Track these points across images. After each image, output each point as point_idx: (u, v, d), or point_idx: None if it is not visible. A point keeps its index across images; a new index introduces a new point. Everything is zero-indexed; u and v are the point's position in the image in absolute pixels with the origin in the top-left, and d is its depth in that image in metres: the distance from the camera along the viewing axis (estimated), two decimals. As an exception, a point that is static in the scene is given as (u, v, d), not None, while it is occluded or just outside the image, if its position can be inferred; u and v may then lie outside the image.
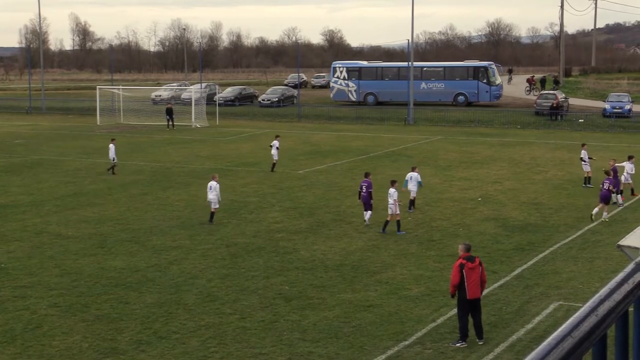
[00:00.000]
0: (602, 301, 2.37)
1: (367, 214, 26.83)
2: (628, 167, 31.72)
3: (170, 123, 61.36)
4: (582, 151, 34.45)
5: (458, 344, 16.06)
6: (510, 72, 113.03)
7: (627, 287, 2.48)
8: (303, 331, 16.96)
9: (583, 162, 34.17)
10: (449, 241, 24.82)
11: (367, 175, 27.65)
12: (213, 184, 27.70)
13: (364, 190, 26.86)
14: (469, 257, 16.25)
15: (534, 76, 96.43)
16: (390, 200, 25.80)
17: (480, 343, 16.18)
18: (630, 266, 2.62)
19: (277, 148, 39.04)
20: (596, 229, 26.57)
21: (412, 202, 29.37)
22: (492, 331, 16.89)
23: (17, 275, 21.13)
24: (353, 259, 22.73)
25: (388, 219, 25.91)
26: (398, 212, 26.00)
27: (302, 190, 33.55)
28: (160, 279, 20.73)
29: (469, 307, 16.13)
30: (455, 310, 17.95)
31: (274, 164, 38.88)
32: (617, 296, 2.42)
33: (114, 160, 38.22)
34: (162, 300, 18.98)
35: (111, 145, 38.62)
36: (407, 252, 23.57)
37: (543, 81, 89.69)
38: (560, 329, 2.19)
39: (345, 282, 20.49)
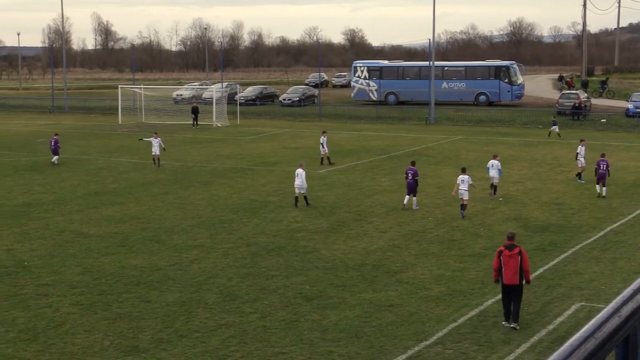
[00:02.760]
0: (625, 302, 2.35)
1: (407, 198, 29.28)
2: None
3: (195, 122, 61.69)
4: (580, 147, 35.08)
5: (503, 323, 17.11)
6: (561, 79, 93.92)
7: (650, 288, 2.46)
8: (323, 331, 16.96)
9: (579, 159, 34.87)
10: (469, 241, 24.74)
11: (413, 163, 30.24)
12: (300, 171, 29.78)
13: (409, 177, 29.21)
14: (509, 245, 17.24)
15: (572, 78, 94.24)
16: (463, 186, 28.04)
17: (517, 329, 16.84)
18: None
19: (321, 144, 40.61)
20: (619, 229, 26.39)
21: (495, 188, 31.73)
22: (513, 332, 16.82)
23: (40, 274, 21.28)
24: (374, 259, 22.70)
25: (463, 202, 28.16)
26: (467, 197, 28.14)
27: (323, 190, 33.55)
28: (181, 278, 20.80)
29: (507, 292, 17.14)
30: (476, 311, 17.97)
31: (327, 158, 40.43)
32: (641, 297, 2.40)
33: (157, 152, 40.29)
34: (182, 299, 19.05)
35: (153, 140, 40.67)
36: (428, 251, 23.51)
37: (585, 83, 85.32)
38: (582, 330, 2.17)
39: (366, 282, 20.47)
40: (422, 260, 22.59)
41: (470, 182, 28.41)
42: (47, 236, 25.58)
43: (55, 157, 41.58)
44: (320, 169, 39.03)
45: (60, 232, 26.17)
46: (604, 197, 31.18)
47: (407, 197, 29.43)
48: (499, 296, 19.06)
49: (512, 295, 17.09)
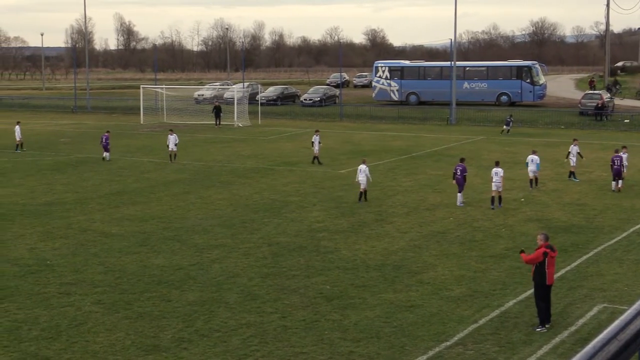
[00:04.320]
0: (649, 304, 2.33)
1: (459, 196, 30.10)
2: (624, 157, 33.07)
3: (218, 121, 61.94)
4: (572, 146, 35.84)
5: (538, 329, 16.82)
6: (614, 85, 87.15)
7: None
8: (344, 331, 16.95)
9: (571, 157, 35.60)
10: (491, 242, 24.64)
11: (462, 160, 31.27)
12: (363, 167, 30.88)
13: (458, 173, 30.09)
14: (551, 246, 17.14)
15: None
16: (496, 178, 29.43)
17: (548, 326, 16.89)
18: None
19: (314, 142, 41.40)
20: (642, 230, 26.17)
21: (531, 181, 33.36)
22: (534, 333, 16.73)
23: (62, 272, 21.41)
24: (394, 259, 22.66)
25: (493, 194, 29.66)
26: (501, 189, 29.64)
27: (344, 190, 33.54)
28: (201, 277, 20.86)
29: (546, 293, 17.08)
30: (497, 312, 17.89)
31: (316, 157, 41.05)
32: (665, 299, 2.38)
33: (174, 148, 41.90)
34: (203, 299, 19.10)
35: (170, 136, 42.31)
36: (449, 252, 23.44)
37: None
38: (605, 332, 2.16)
39: (387, 282, 20.43)
40: (443, 260, 22.52)
41: (502, 175, 29.67)
42: (70, 235, 25.73)
43: (106, 154, 42.91)
44: (340, 169, 39.03)
45: (82, 231, 26.33)
46: (619, 191, 32.18)
47: (459, 195, 30.29)
48: (521, 297, 19.01)
49: (548, 295, 17.19)
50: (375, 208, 29.84)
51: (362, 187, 30.95)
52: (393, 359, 15.51)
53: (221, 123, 61.92)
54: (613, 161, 32.64)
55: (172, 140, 42.28)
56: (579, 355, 2.07)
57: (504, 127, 55.60)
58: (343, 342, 16.30)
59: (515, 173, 37.12)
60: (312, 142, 41.56)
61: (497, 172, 29.62)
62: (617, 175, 32.40)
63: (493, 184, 29.68)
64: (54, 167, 40.88)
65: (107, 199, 32.05)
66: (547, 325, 17.00)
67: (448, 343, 16.22)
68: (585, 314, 17.86)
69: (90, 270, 21.62)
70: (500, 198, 29.77)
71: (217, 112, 62.59)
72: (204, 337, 16.59)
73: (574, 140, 36.95)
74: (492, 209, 29.35)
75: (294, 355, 15.63)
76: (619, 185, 32.53)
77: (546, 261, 16.97)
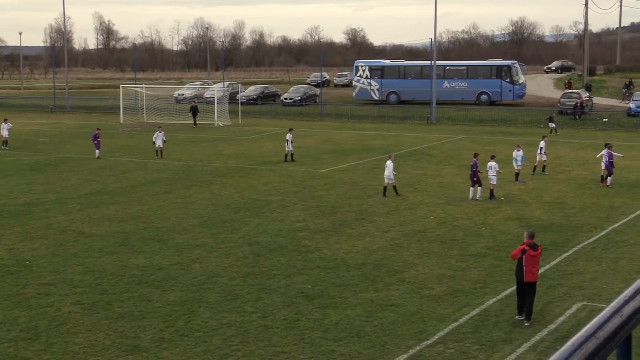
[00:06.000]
0: (627, 302, 2.35)
1: (472, 191, 30.92)
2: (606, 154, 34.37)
3: (195, 121, 61.78)
4: (542, 142, 37.19)
5: (517, 317, 17.43)
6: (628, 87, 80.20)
7: (652, 288, 2.46)
8: (325, 330, 16.96)
9: (540, 153, 36.91)
10: (471, 241, 24.74)
11: (476, 156, 31.60)
12: (389, 163, 31.72)
13: (476, 168, 30.87)
14: (533, 245, 17.34)
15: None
16: (491, 172, 30.63)
17: (527, 324, 17.07)
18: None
19: (288, 141, 41.81)
20: (621, 229, 26.37)
21: (517, 175, 34.48)
22: (514, 331, 16.81)
23: (42, 273, 21.29)
24: (375, 258, 22.70)
25: (492, 188, 30.73)
26: (495, 183, 30.82)
27: (325, 189, 33.55)
28: (182, 278, 20.81)
29: (524, 289, 17.35)
30: (477, 311, 17.99)
31: (291, 155, 41.57)
32: (643, 297, 2.40)
33: (161, 145, 43.22)
34: (184, 299, 19.05)
35: (158, 133, 43.39)
36: (430, 251, 23.51)
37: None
38: (584, 330, 2.17)
39: (368, 282, 20.46)
40: (423, 259, 22.58)
41: (498, 169, 30.91)
42: (49, 236, 25.59)
43: (98, 152, 43.44)
44: (321, 169, 39.05)
45: (62, 231, 26.18)
46: (608, 186, 33.36)
47: (471, 190, 31.06)
48: (501, 296, 19.11)
49: (528, 292, 17.34)
50: (356, 207, 29.88)
51: (386, 182, 31.74)
52: (374, 358, 15.53)
53: (198, 123, 61.73)
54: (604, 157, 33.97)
55: (159, 137, 43.22)
56: (558, 354, 2.08)
57: (551, 125, 54.72)
58: (324, 341, 16.31)
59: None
60: (287, 140, 41.69)
61: (492, 166, 30.78)
62: (608, 170, 33.79)
63: (489, 177, 30.78)
64: (34, 167, 40.63)
65: (87, 199, 31.90)
66: (517, 317, 17.39)
67: (429, 342, 16.26)
68: (565, 312, 17.97)
69: (70, 270, 21.51)
70: (491, 192, 30.84)
71: (194, 112, 62.38)
72: (184, 337, 16.54)
73: (544, 137, 38.47)
74: (490, 200, 30.69)
75: (275, 355, 15.62)
76: (608, 183, 33.77)
77: (524, 259, 17.18)
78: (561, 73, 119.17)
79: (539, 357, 15.40)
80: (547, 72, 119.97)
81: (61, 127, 62.29)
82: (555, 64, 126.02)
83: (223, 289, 19.79)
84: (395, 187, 31.89)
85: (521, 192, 32.78)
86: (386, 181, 31.82)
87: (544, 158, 37.10)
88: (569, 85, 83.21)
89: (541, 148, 36.92)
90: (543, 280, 20.27)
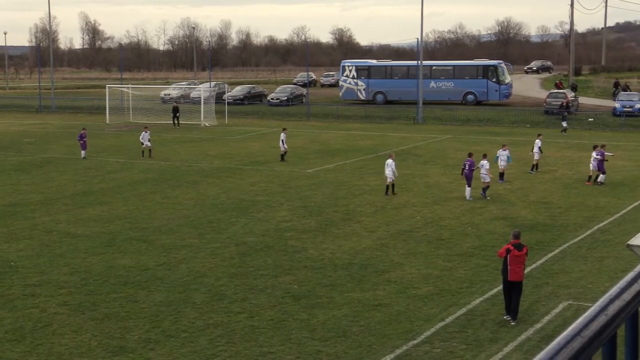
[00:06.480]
0: (612, 300, 2.35)
1: (468, 190, 31.10)
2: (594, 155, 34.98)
3: (176, 121, 61.45)
4: (537, 140, 37.88)
5: (504, 317, 17.52)
6: (617, 85, 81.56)
7: (637, 287, 2.46)
8: (312, 330, 16.95)
9: (535, 151, 37.61)
10: (457, 240, 24.79)
11: (470, 155, 31.86)
12: (389, 161, 31.95)
13: (466, 168, 31.02)
14: (518, 245, 17.47)
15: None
16: (483, 170, 31.11)
17: (513, 323, 17.16)
18: (641, 265, 2.60)
19: (281, 140, 42.00)
20: (606, 228, 26.49)
21: (501, 175, 34.69)
22: (501, 330, 16.86)
23: (27, 274, 21.19)
24: (362, 258, 22.71)
25: (483, 185, 31.29)
26: (488, 180, 31.38)
27: (311, 189, 33.55)
28: (169, 278, 20.75)
29: (509, 288, 17.46)
30: (464, 310, 18.02)
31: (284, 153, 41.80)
32: (627, 296, 2.40)
33: (148, 144, 43.45)
34: (170, 299, 19.00)
35: (144, 133, 43.60)
36: (416, 251, 23.54)
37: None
38: (569, 329, 2.17)
39: (354, 281, 20.47)
40: (410, 259, 22.61)
41: (488, 167, 31.36)
42: (34, 236, 25.47)
43: (83, 152, 43.36)
44: (308, 168, 39.05)
45: (47, 232, 26.07)
46: (602, 184, 34.07)
47: (468, 189, 31.25)
48: (487, 295, 19.16)
49: (513, 291, 17.43)
50: (342, 207, 29.89)
51: (388, 180, 32.02)
52: (361, 358, 15.54)
53: (181, 123, 61.45)
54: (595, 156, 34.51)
55: (145, 137, 43.41)
56: (543, 353, 2.08)
57: (563, 123, 54.92)
58: (311, 341, 16.31)
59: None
60: (282, 140, 41.81)
61: (484, 165, 31.17)
62: (599, 168, 34.28)
63: (481, 175, 31.26)
64: (19, 168, 40.43)
65: (72, 199, 31.77)
66: (505, 317, 17.47)
67: (415, 341, 16.28)
68: (551, 311, 18.04)
69: (55, 271, 21.42)
70: (484, 189, 31.33)
71: (175, 112, 62.09)
72: (170, 338, 16.50)
73: (539, 135, 38.89)
74: (485, 198, 31.18)
75: (262, 355, 15.61)
76: (602, 181, 34.40)
77: (508, 258, 17.33)
78: (540, 73, 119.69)
79: (525, 355, 15.44)
80: (527, 72, 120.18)
81: (46, 127, 62.03)
82: (535, 64, 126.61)
83: (209, 289, 19.75)
84: (393, 186, 32.13)
85: (507, 191, 32.88)
86: (387, 180, 32.10)
87: (537, 157, 37.69)
88: (560, 86, 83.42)
89: (538, 147, 37.54)
90: (529, 280, 20.33)
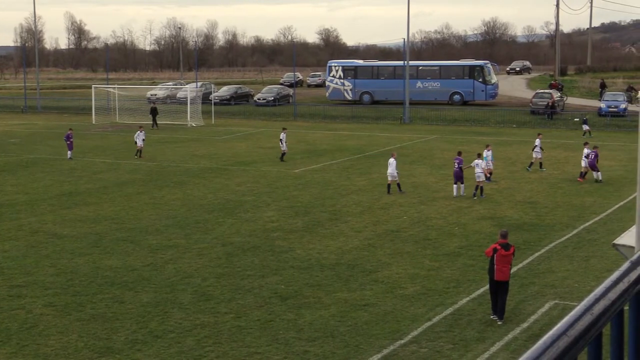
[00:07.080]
0: (597, 300, 2.37)
1: (456, 188, 31.54)
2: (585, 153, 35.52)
3: (155, 123, 60.66)
4: (537, 140, 38.43)
5: (491, 316, 17.56)
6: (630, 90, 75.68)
7: (622, 286, 2.48)
8: (299, 330, 16.96)
9: (535, 150, 38.15)
10: (444, 240, 24.84)
11: (459, 153, 32.56)
12: (391, 160, 32.37)
13: (456, 166, 31.65)
14: (505, 244, 17.56)
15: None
16: (478, 169, 31.46)
17: (499, 323, 17.20)
18: (626, 265, 2.61)
19: (280, 140, 42.21)
20: (592, 227, 26.61)
21: (487, 176, 34.56)
22: (487, 330, 16.91)
23: (13, 275, 21.09)
24: (349, 258, 22.72)
25: (478, 184, 31.51)
26: (483, 179, 31.81)
27: (298, 189, 33.55)
28: (155, 278, 20.71)
29: (496, 288, 17.51)
30: (450, 310, 18.06)
31: (282, 154, 41.94)
32: (613, 295, 2.42)
33: (142, 144, 43.75)
34: (157, 300, 18.96)
35: (139, 133, 43.65)
36: (403, 251, 23.57)
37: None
38: (555, 328, 2.18)
39: (341, 281, 20.48)
40: (397, 259, 22.64)
41: (483, 166, 32.00)
42: (20, 237, 25.36)
43: (70, 152, 43.27)
44: (295, 169, 39.04)
45: (33, 232, 25.96)
46: (600, 181, 34.56)
47: (455, 186, 31.71)
48: (474, 294, 19.21)
49: (499, 290, 17.50)
50: (329, 207, 29.90)
51: (389, 179, 32.35)
52: (348, 358, 15.55)
53: (158, 124, 60.82)
54: (589, 155, 34.82)
55: (140, 136, 43.62)
56: (529, 352, 2.09)
57: (584, 127, 53.87)
58: (298, 341, 16.31)
59: (467, 172, 37.46)
60: (281, 139, 42.01)
61: (478, 164, 31.63)
62: (593, 167, 34.78)
63: (476, 174, 31.53)
64: (4, 168, 40.24)
65: (58, 200, 31.65)
66: (491, 316, 17.53)
67: (402, 341, 16.31)
68: (537, 311, 18.10)
69: (41, 272, 21.33)
70: (481, 189, 31.64)
71: (154, 113, 61.58)
72: (158, 339, 16.47)
73: (539, 134, 39.76)
74: (475, 198, 31.33)
75: (249, 355, 15.60)
76: (599, 178, 34.84)
77: (495, 257, 17.39)
78: (523, 73, 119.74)
79: (512, 355, 15.50)
80: (509, 73, 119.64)
81: (32, 128, 61.75)
82: (515, 64, 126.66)
83: (196, 290, 19.72)
84: (398, 184, 32.40)
85: (493, 191, 32.96)
86: (389, 179, 32.42)
87: (539, 155, 38.20)
88: (555, 86, 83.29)
89: (536, 145, 38.10)
90: (515, 279, 20.40)
